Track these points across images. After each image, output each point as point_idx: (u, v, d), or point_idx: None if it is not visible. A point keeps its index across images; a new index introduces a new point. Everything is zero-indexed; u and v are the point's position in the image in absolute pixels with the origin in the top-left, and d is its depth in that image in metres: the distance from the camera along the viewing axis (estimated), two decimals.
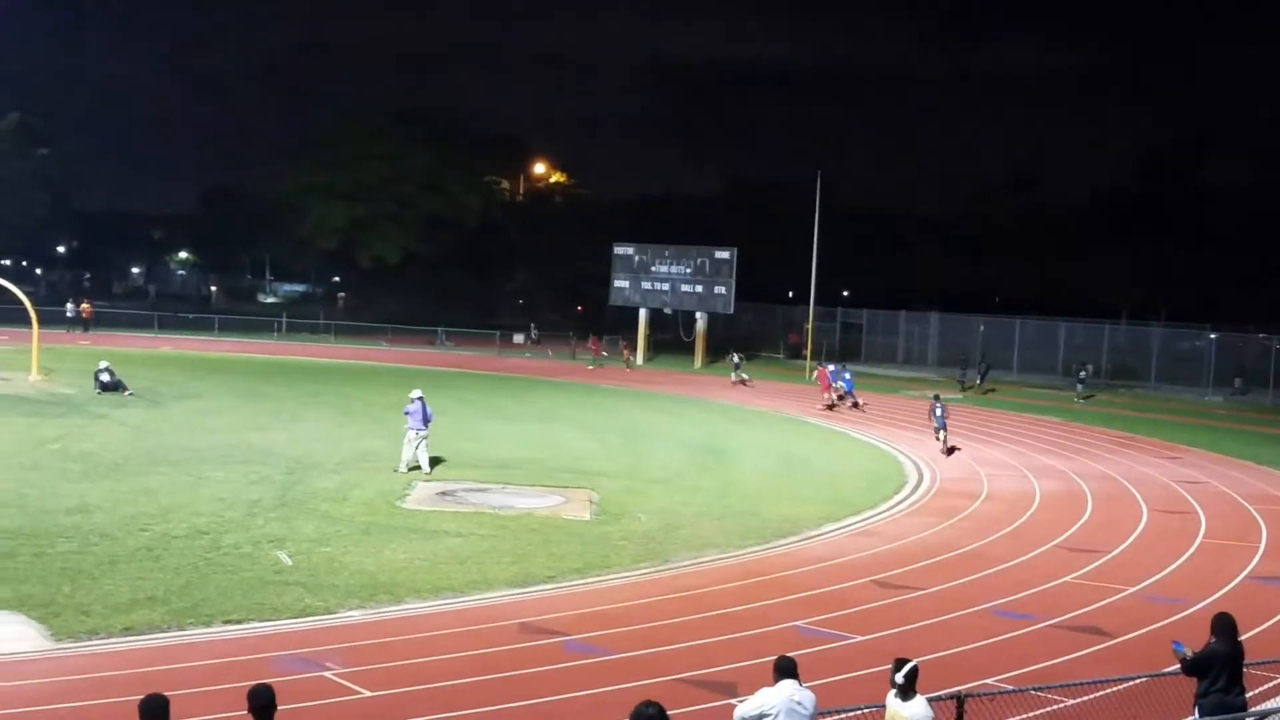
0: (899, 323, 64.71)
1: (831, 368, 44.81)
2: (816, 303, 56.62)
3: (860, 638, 14.81)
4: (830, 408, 41.51)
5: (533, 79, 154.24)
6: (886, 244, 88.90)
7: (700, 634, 14.70)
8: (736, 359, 51.28)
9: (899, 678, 9.11)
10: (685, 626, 15.06)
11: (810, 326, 57.79)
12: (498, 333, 65.85)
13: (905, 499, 25.27)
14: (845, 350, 64.20)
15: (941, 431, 31.75)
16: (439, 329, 65.65)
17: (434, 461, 25.43)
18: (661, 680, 12.73)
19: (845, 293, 74.18)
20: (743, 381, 49.72)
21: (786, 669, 9.20)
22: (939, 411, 32.00)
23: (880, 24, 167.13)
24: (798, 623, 15.33)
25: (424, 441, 24.85)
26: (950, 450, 31.59)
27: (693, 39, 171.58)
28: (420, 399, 24.85)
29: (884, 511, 23.78)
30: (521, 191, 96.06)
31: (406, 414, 24.93)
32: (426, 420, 24.82)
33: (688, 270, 59.15)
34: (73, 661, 12.76)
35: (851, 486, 26.31)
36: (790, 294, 74.15)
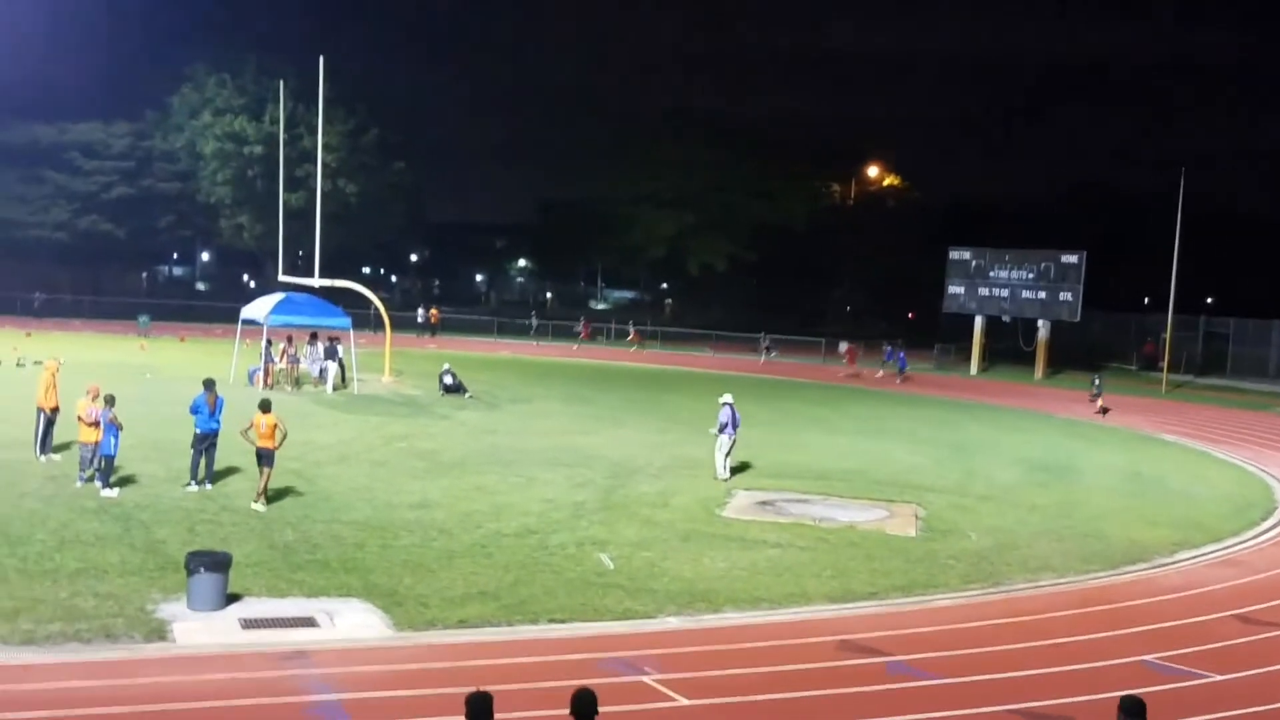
0: (1272, 333, 59.38)
1: (888, 348, 55.84)
2: (1175, 310, 52.81)
3: (1218, 676, 13.46)
4: (856, 376, 53.28)
5: (861, 81, 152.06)
6: (1255, 247, 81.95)
7: (1035, 663, 13.77)
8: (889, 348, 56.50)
9: None
10: (1018, 654, 14.17)
11: (1168, 336, 54.00)
12: (823, 340, 65.26)
13: (1276, 526, 22.95)
14: (1207, 363, 59.58)
15: (1098, 399, 41.87)
16: (761, 335, 65.94)
17: (739, 469, 25.31)
18: (991, 710, 12.02)
19: (1209, 299, 68.88)
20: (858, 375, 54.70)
21: (1133, 709, 8.33)
22: (1097, 382, 43.49)
23: (1214, 14, 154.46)
24: (1146, 657, 14.11)
25: (731, 447, 24.76)
26: (1104, 410, 40.47)
27: (1024, 36, 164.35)
28: (729, 404, 24.76)
29: (1250, 539, 21.66)
30: (852, 196, 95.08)
31: (722, 418, 24.93)
32: (735, 425, 24.70)
33: (1030, 275, 56.44)
34: (412, 650, 13.34)
35: (1212, 510, 24.18)
36: (1146, 301, 69.58)
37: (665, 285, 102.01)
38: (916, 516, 21.99)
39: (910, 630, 15.04)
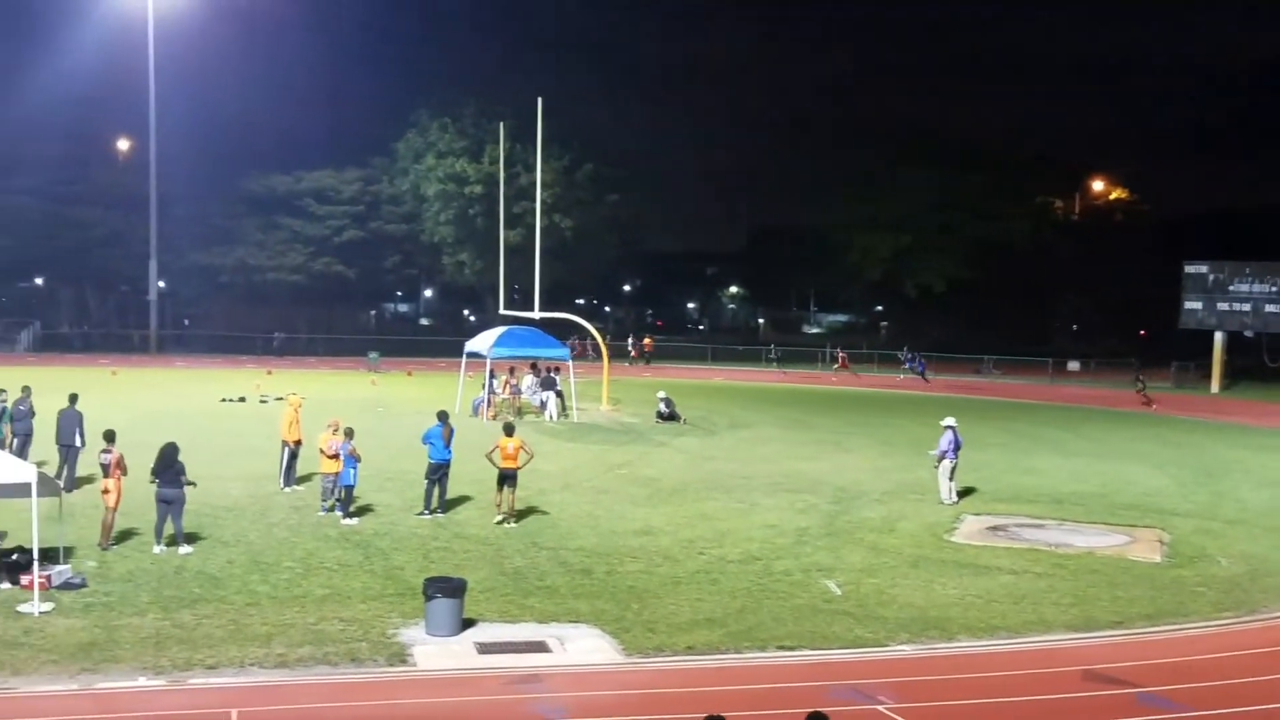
0: None
1: (907, 355, 60.91)
2: None
3: None
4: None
5: (1083, 91, 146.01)
6: None
7: None
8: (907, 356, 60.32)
9: None
10: (1278, 685, 13.23)
11: None
12: (1049, 361, 62.98)
13: None
14: None
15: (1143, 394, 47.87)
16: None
17: (965, 493, 24.58)
18: None
19: None
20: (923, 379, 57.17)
21: None
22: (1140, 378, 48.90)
23: None
24: None
25: (953, 470, 24.07)
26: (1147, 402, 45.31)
27: (1252, 38, 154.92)
28: (953, 427, 24.09)
29: None
30: (1077, 211, 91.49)
31: (943, 443, 24.28)
32: (957, 448, 24.02)
33: (1274, 289, 53.23)
34: (641, 676, 13.41)
35: None
36: None
37: (880, 308, 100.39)
38: (1161, 542, 20.86)
39: (1160, 660, 14.27)
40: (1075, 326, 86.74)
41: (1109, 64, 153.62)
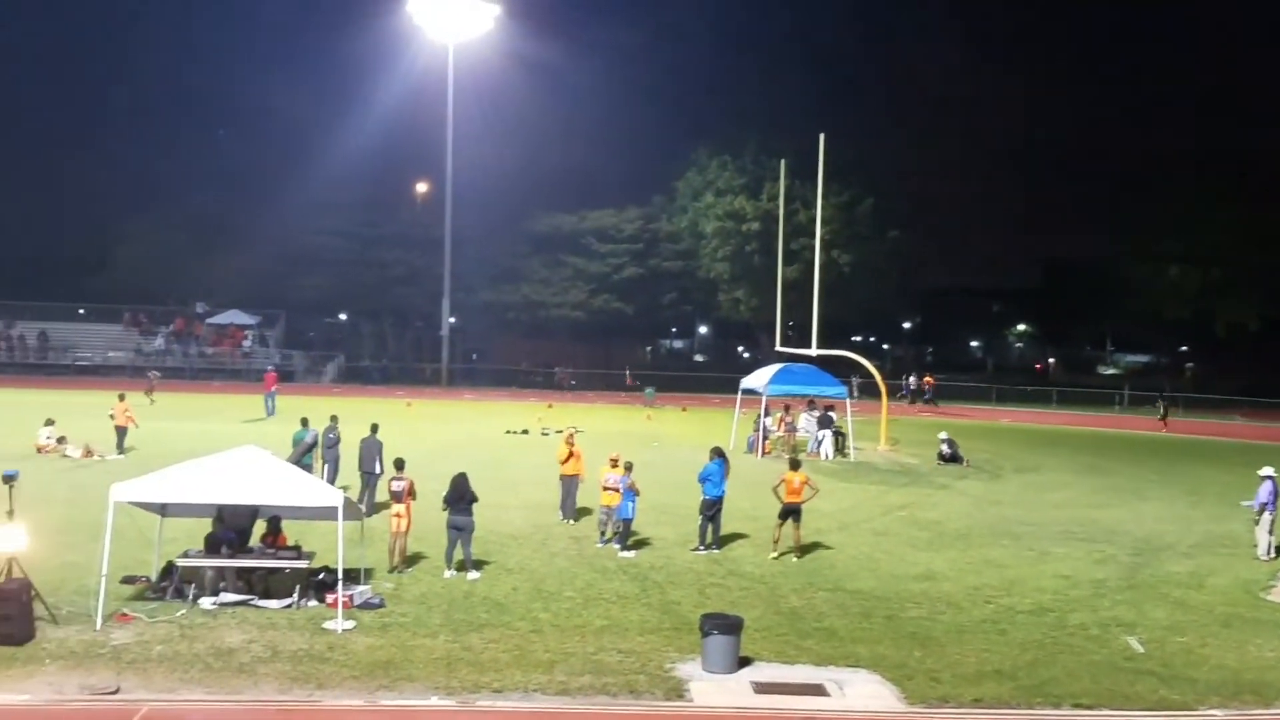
0: None
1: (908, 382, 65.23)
2: None
3: None
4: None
5: None
6: None
7: None
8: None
9: None
10: None
11: None
12: None
13: None
14: None
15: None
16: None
17: None
18: None
19: None
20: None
21: None
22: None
23: None
24: None
25: (1273, 523, 22.10)
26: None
27: None
28: (1271, 478, 22.15)
29: None
30: None
31: (1262, 494, 22.37)
32: (1275, 500, 22.05)
33: None
34: None
35: None
36: None
37: (1185, 348, 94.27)
38: None
39: None
40: None
41: None
